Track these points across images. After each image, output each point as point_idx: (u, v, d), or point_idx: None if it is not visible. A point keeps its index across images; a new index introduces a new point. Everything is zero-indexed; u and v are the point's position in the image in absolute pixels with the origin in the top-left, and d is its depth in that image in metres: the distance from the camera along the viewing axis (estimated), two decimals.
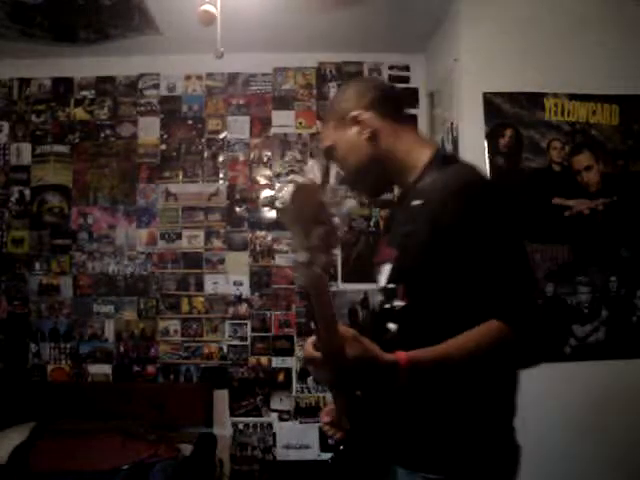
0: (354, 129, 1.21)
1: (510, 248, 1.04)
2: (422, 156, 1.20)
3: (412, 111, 3.14)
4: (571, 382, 2.30)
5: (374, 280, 1.24)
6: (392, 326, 1.11)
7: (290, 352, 3.04)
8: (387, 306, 1.12)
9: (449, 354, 0.97)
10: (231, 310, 3.08)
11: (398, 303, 1.10)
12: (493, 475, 1.08)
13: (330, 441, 1.19)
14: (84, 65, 3.10)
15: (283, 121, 3.15)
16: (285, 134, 3.15)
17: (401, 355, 0.95)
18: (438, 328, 1.01)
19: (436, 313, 1.05)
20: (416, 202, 1.11)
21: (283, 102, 3.16)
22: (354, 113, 1.21)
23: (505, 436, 1.13)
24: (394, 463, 1.13)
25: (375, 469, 1.16)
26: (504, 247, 1.03)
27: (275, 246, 3.10)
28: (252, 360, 3.07)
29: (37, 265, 3.09)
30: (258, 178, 3.15)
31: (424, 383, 0.99)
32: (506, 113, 2.36)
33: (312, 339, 1.02)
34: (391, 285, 1.13)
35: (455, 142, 2.50)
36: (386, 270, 1.15)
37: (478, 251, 1.01)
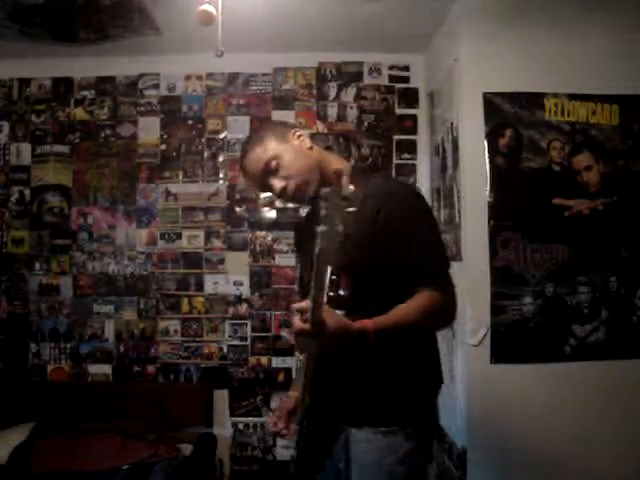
0: (297, 141, 1.49)
1: (429, 237, 1.38)
2: (341, 166, 1.49)
3: (412, 111, 3.15)
4: (571, 382, 2.30)
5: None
6: (339, 312, 1.28)
7: (290, 352, 3.04)
8: (332, 294, 1.27)
9: (402, 317, 1.28)
10: (231, 310, 3.09)
11: (342, 292, 1.30)
12: (429, 423, 1.48)
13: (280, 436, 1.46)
14: (84, 65, 3.10)
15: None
16: None
17: (368, 322, 1.23)
18: (378, 311, 1.28)
19: (376, 298, 1.33)
20: (369, 207, 1.33)
21: (283, 102, 3.16)
22: (295, 130, 1.52)
23: (435, 391, 1.50)
24: (349, 425, 1.39)
25: (332, 438, 1.43)
26: (425, 237, 1.37)
27: (275, 246, 3.10)
28: (252, 360, 3.07)
29: (37, 265, 3.09)
30: None
31: (387, 345, 1.26)
32: (506, 113, 2.36)
33: (297, 317, 1.20)
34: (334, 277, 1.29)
35: (455, 142, 2.50)
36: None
37: (408, 241, 1.34)
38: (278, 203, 3.09)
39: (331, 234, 1.01)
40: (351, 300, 1.31)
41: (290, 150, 1.45)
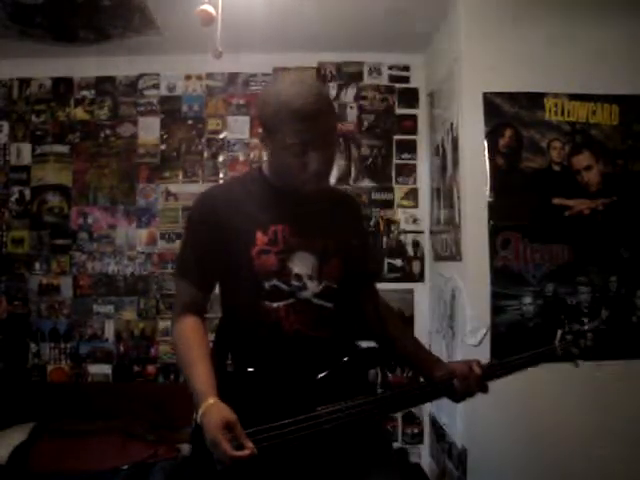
0: None
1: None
2: None
3: (412, 111, 3.15)
4: (571, 382, 2.30)
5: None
6: (329, 304, 1.33)
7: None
8: (319, 288, 1.32)
9: None
10: None
11: (332, 285, 1.34)
12: None
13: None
14: (84, 65, 3.10)
15: None
16: None
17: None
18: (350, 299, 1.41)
19: (350, 292, 1.41)
20: (342, 208, 1.45)
21: None
22: None
23: None
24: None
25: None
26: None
27: None
28: None
29: (37, 265, 3.09)
30: None
31: None
32: (506, 113, 2.36)
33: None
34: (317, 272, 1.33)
35: (455, 142, 2.50)
36: (306, 257, 1.32)
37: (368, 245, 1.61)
38: None
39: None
40: (339, 294, 1.36)
41: (336, 133, 1.37)
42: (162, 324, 3.08)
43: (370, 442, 1.33)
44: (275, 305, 1.29)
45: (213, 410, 1.14)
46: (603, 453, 2.24)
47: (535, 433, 2.27)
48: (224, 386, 1.22)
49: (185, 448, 2.61)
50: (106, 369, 3.07)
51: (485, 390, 1.37)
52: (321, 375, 1.29)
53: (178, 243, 3.09)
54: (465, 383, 1.33)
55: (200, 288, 1.35)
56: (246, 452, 1.09)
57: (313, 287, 1.31)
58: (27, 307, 3.08)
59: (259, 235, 1.29)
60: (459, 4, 2.44)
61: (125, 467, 2.40)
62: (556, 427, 2.28)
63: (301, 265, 1.31)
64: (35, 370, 3.06)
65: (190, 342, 1.30)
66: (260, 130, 1.32)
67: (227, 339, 1.41)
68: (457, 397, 1.36)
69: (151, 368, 3.07)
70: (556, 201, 2.34)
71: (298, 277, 1.30)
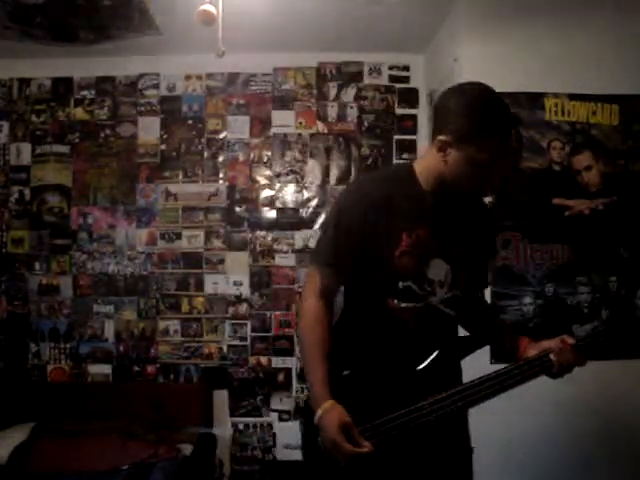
0: None
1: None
2: None
3: (412, 111, 3.15)
4: (570, 382, 2.30)
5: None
6: (452, 312, 1.38)
7: (290, 352, 3.04)
8: (447, 296, 1.36)
9: None
10: (231, 310, 3.08)
11: (459, 294, 1.38)
12: None
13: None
14: (84, 65, 3.10)
15: (283, 121, 3.15)
16: (285, 134, 3.15)
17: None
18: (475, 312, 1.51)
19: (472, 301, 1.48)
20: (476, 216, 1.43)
21: (283, 102, 3.16)
22: None
23: None
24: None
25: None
26: None
27: (275, 246, 3.10)
28: (252, 360, 3.07)
29: (37, 265, 3.09)
30: (258, 178, 3.15)
31: None
32: None
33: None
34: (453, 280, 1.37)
35: None
36: (441, 264, 1.36)
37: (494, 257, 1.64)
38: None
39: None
40: (461, 302, 1.41)
41: None
42: (162, 324, 3.08)
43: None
44: (404, 305, 1.34)
45: (330, 414, 1.25)
46: (603, 453, 2.25)
47: (535, 433, 2.27)
48: (339, 386, 1.31)
49: (185, 448, 2.62)
50: (106, 369, 3.07)
51: (582, 362, 1.36)
52: (419, 367, 1.34)
53: (178, 243, 3.10)
54: (562, 357, 1.34)
55: (340, 277, 1.39)
56: (364, 449, 1.22)
57: (441, 294, 1.36)
58: (27, 307, 3.08)
59: (404, 236, 1.31)
60: (459, 4, 2.44)
61: (125, 467, 2.40)
62: (556, 427, 2.28)
63: (435, 271, 1.35)
64: (35, 370, 3.06)
65: (315, 335, 1.35)
66: (445, 137, 1.26)
67: (345, 335, 1.43)
68: (555, 372, 1.36)
69: (151, 368, 3.06)
70: (556, 201, 2.35)
71: (430, 282, 1.35)
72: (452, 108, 1.27)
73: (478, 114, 1.23)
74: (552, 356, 1.33)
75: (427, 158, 1.36)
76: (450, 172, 1.29)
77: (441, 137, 1.26)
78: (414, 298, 1.34)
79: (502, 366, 2.38)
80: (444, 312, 1.37)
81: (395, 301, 1.33)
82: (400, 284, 1.32)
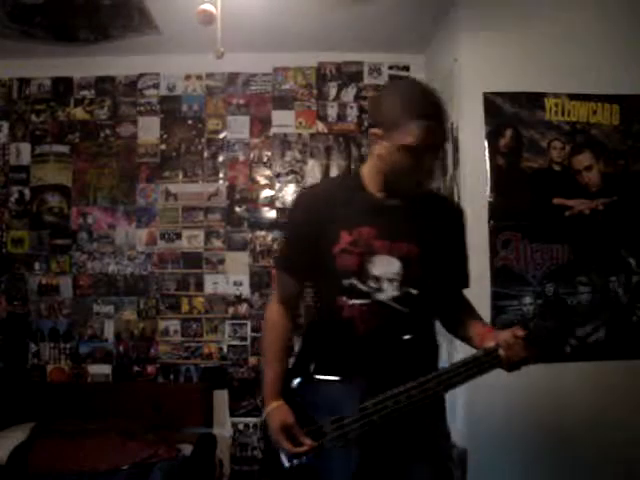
0: None
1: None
2: None
3: None
4: (571, 382, 2.30)
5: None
6: (405, 309, 1.33)
7: (290, 352, 3.03)
8: (397, 294, 1.33)
9: None
10: (231, 310, 3.08)
11: (412, 291, 1.33)
12: None
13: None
14: (84, 65, 3.10)
15: (283, 121, 3.15)
16: (285, 134, 3.15)
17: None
18: (433, 311, 1.42)
19: (434, 300, 1.40)
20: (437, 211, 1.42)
21: (283, 102, 3.16)
22: None
23: None
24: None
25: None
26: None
27: (275, 246, 3.10)
28: (252, 360, 3.07)
29: (37, 265, 3.09)
30: (258, 178, 3.15)
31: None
32: (506, 113, 2.36)
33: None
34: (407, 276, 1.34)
35: (455, 142, 2.50)
36: (390, 261, 1.33)
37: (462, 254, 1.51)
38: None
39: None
40: (418, 300, 1.35)
41: None
42: (162, 324, 3.08)
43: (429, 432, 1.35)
44: (351, 302, 1.34)
45: (274, 413, 1.35)
46: (603, 452, 2.24)
47: (535, 433, 2.27)
48: (290, 385, 1.39)
49: (185, 448, 2.62)
50: (106, 369, 3.07)
51: (534, 358, 1.26)
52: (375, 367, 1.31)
53: (178, 243, 3.10)
54: (511, 351, 1.24)
55: (297, 280, 1.46)
56: (303, 448, 1.30)
57: (391, 290, 1.33)
58: (27, 307, 3.08)
59: (344, 234, 1.34)
60: (459, 4, 2.44)
61: (125, 467, 2.40)
62: (556, 427, 2.28)
63: (382, 268, 1.33)
64: (35, 370, 3.06)
65: (269, 339, 1.48)
66: (375, 129, 1.32)
67: (312, 333, 1.51)
68: (506, 367, 1.27)
69: (151, 368, 3.07)
70: (556, 201, 2.34)
71: (376, 279, 1.33)
72: (378, 102, 1.38)
73: (399, 99, 1.29)
74: (501, 351, 1.24)
75: (369, 159, 1.43)
76: (387, 165, 1.33)
77: (371, 130, 1.34)
78: (360, 295, 1.33)
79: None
80: (394, 308, 1.33)
81: (343, 298, 1.34)
82: (345, 281, 1.33)
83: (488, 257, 2.32)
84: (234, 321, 3.08)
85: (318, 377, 1.36)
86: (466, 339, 1.43)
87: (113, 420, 2.73)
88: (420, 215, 1.37)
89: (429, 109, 1.26)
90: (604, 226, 2.34)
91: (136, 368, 3.06)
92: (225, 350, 3.07)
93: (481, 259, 2.32)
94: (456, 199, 2.48)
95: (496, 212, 2.33)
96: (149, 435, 2.63)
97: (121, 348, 3.08)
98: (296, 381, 1.40)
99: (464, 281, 1.51)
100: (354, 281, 1.33)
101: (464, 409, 2.33)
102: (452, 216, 1.49)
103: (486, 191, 2.35)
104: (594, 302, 2.35)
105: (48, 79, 3.16)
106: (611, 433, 2.27)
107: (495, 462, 2.28)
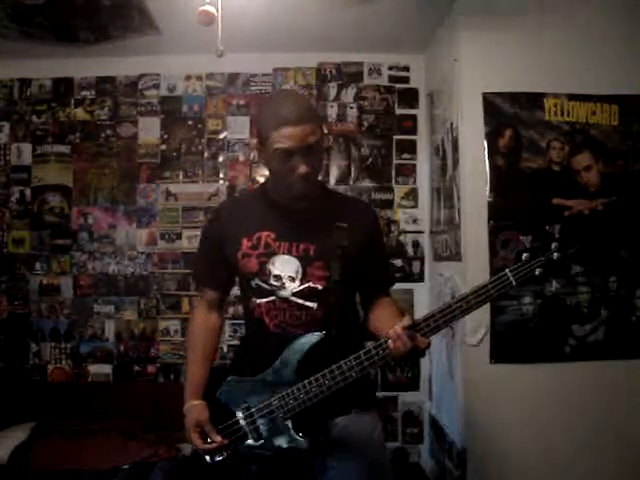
0: (324, 137, 1.50)
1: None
2: None
3: (412, 111, 3.15)
4: (571, 382, 2.30)
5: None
6: (310, 304, 1.42)
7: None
8: (301, 288, 1.41)
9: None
10: (231, 310, 3.09)
11: (314, 285, 1.41)
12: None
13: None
14: (84, 65, 3.10)
15: None
16: None
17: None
18: (346, 302, 1.49)
19: (347, 293, 1.48)
20: (344, 218, 1.46)
21: None
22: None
23: None
24: (336, 414, 1.45)
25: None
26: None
27: None
28: None
29: (37, 265, 3.09)
30: (258, 178, 3.15)
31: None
32: (506, 113, 2.36)
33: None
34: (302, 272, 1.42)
35: (455, 142, 2.50)
36: (289, 260, 1.43)
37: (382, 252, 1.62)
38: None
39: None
40: (325, 294, 1.42)
41: (322, 143, 1.43)
42: (162, 324, 3.08)
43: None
44: (258, 301, 1.45)
45: (189, 412, 1.45)
46: (603, 452, 2.25)
47: (535, 433, 2.28)
48: (216, 382, 1.47)
49: (185, 448, 2.62)
50: (106, 369, 3.07)
51: (422, 346, 1.26)
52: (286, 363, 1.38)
53: (178, 243, 3.11)
54: (398, 342, 1.25)
55: (212, 288, 1.59)
56: (212, 445, 1.41)
57: (292, 287, 1.42)
58: (27, 307, 3.08)
59: (244, 241, 1.46)
60: (459, 4, 2.44)
61: (125, 467, 2.40)
62: (556, 427, 2.28)
63: (282, 267, 1.43)
64: (35, 370, 3.06)
65: (192, 340, 1.59)
66: (255, 143, 1.47)
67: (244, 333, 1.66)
68: (395, 358, 1.29)
69: (151, 368, 3.07)
70: (555, 201, 2.35)
71: (277, 278, 1.43)
72: (254, 118, 1.63)
73: (264, 112, 1.42)
74: (390, 342, 1.26)
75: None
76: (270, 173, 1.47)
77: (253, 144, 1.47)
78: (265, 294, 1.44)
79: (502, 366, 2.40)
80: (298, 303, 1.41)
81: (253, 298, 1.46)
82: (252, 282, 1.45)
83: (488, 257, 2.32)
84: (234, 321, 3.08)
85: (237, 374, 1.45)
86: (375, 335, 1.44)
87: (113, 420, 2.73)
88: (321, 216, 1.45)
89: (285, 115, 1.32)
90: (603, 226, 2.35)
91: (136, 368, 3.07)
92: (225, 350, 3.07)
93: (481, 259, 2.33)
94: (456, 199, 2.49)
95: (496, 212, 2.34)
96: (149, 435, 2.64)
97: (121, 348, 3.08)
98: (226, 379, 1.46)
99: (383, 283, 1.60)
100: (257, 281, 1.44)
101: (463, 409, 2.33)
102: (362, 217, 1.53)
103: (486, 191, 2.35)
104: (594, 302, 2.35)
105: (49, 79, 3.16)
106: (611, 433, 2.27)
107: (495, 462, 2.28)
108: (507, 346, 2.32)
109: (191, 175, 3.15)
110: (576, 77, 2.37)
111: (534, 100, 2.36)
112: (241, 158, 3.15)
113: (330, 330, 1.38)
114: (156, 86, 3.17)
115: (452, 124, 2.54)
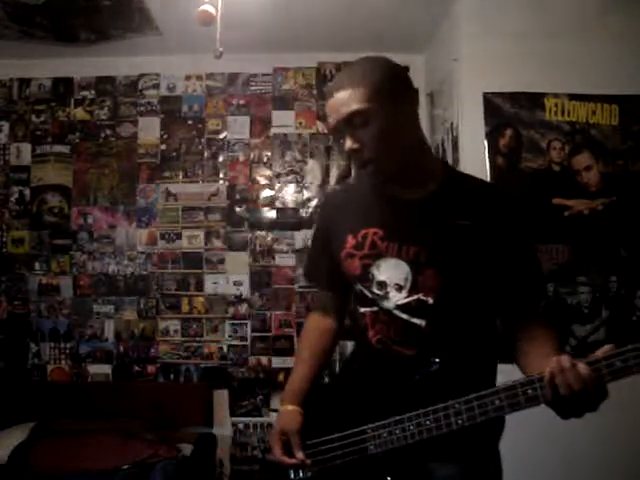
0: (407, 107, 1.18)
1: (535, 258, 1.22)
2: (435, 165, 1.25)
3: None
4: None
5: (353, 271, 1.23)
6: (416, 320, 1.15)
7: (290, 352, 3.04)
8: (407, 301, 1.15)
9: None
10: (231, 310, 3.09)
11: (425, 299, 1.14)
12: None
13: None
14: (84, 65, 3.10)
15: (283, 121, 3.16)
16: (285, 134, 3.16)
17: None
18: (468, 323, 1.17)
19: (467, 310, 1.16)
20: (466, 216, 1.14)
21: (283, 102, 3.16)
22: (414, 89, 1.26)
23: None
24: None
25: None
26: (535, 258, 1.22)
27: (275, 246, 3.10)
28: (252, 360, 3.07)
29: (37, 265, 3.09)
30: (258, 178, 3.15)
31: None
32: (506, 113, 2.36)
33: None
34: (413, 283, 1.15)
35: (455, 142, 2.50)
36: (399, 264, 1.16)
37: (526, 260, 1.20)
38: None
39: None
40: (436, 310, 1.14)
41: (391, 115, 1.11)
42: (162, 324, 3.08)
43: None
44: (362, 310, 1.22)
45: (282, 416, 1.26)
46: (603, 452, 2.24)
47: (536, 433, 2.27)
48: (315, 393, 1.30)
49: (185, 448, 2.62)
50: (106, 369, 3.07)
51: (597, 391, 0.98)
52: (397, 388, 1.12)
53: (178, 243, 3.10)
54: (560, 378, 0.96)
55: (328, 289, 1.39)
56: (291, 461, 1.18)
57: (398, 298, 1.16)
58: (27, 307, 3.08)
59: (349, 238, 1.22)
60: (459, 4, 2.44)
61: (125, 467, 2.40)
62: (555, 427, 2.28)
63: (388, 273, 1.17)
64: (35, 370, 3.06)
65: (303, 342, 1.40)
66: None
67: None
68: (555, 404, 1.01)
69: (151, 368, 3.07)
70: (556, 201, 2.35)
71: (381, 285, 1.18)
72: None
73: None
74: (546, 378, 0.99)
75: None
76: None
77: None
78: (367, 302, 1.20)
79: (502, 366, 2.39)
80: (402, 319, 1.15)
81: (357, 306, 1.24)
82: (355, 287, 1.23)
83: None
84: (234, 321, 3.08)
85: (337, 388, 1.29)
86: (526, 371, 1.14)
87: (113, 420, 2.73)
88: (439, 210, 1.15)
89: (330, 89, 1.15)
90: (603, 226, 2.35)
91: (136, 368, 3.07)
92: (225, 350, 3.07)
93: None
94: None
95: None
96: (149, 435, 2.63)
97: (121, 348, 3.08)
98: (329, 390, 1.33)
99: (526, 303, 1.19)
100: (359, 287, 1.21)
101: None
102: (495, 212, 1.16)
103: None
104: (594, 302, 2.35)
105: (48, 79, 3.16)
106: (611, 433, 2.27)
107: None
108: (507, 346, 2.31)
109: (191, 175, 3.15)
110: (576, 77, 2.37)
111: (534, 100, 2.36)
112: (241, 158, 3.15)
113: (445, 355, 1.09)
114: (156, 86, 3.17)
115: (452, 124, 2.54)
